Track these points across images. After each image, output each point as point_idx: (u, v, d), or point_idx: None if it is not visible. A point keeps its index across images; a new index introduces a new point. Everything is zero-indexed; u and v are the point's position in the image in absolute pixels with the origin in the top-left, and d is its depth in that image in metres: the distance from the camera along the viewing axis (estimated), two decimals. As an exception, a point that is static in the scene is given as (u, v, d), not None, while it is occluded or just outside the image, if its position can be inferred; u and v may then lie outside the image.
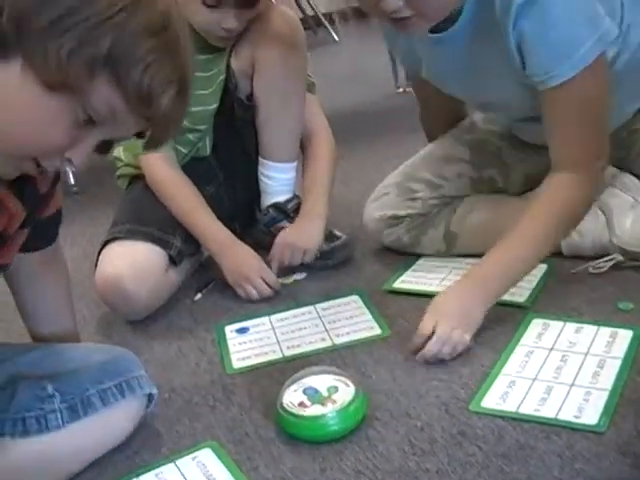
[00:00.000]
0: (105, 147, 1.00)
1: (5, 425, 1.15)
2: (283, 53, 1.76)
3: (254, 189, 1.90)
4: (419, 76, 1.68)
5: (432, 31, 1.45)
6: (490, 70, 1.48)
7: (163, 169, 1.79)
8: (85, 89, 0.88)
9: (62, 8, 0.85)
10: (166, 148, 1.77)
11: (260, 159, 1.87)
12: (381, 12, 1.34)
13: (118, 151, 1.96)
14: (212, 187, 1.89)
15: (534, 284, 1.56)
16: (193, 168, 1.84)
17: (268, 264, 1.74)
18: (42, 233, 1.24)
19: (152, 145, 1.02)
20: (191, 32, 1.70)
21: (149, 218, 1.75)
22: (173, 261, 1.74)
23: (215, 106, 1.82)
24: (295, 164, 1.89)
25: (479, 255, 1.67)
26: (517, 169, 1.78)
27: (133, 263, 1.65)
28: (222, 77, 1.80)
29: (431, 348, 1.36)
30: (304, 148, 1.93)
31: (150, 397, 1.29)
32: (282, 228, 1.83)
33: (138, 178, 1.89)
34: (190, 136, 1.84)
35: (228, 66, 1.80)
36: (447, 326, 1.36)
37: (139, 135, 1.00)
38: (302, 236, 1.77)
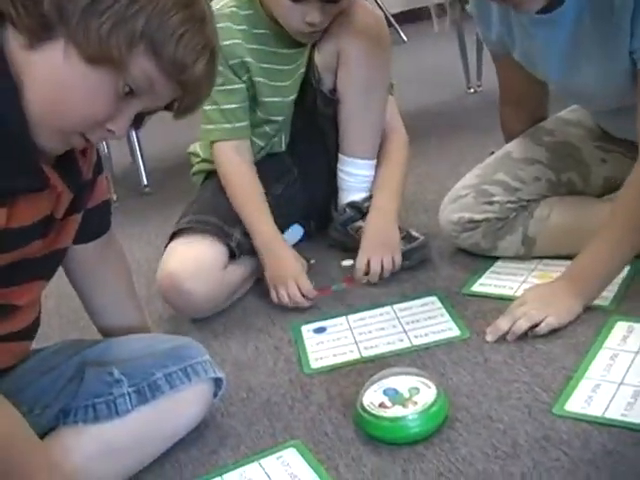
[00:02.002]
0: (139, 120, 1.08)
1: (77, 412, 1.17)
2: (368, 47, 1.77)
3: (331, 187, 1.90)
4: (507, 59, 1.67)
5: (537, 11, 1.43)
6: (594, 52, 1.46)
7: (232, 158, 1.80)
8: (125, 61, 0.97)
9: None
10: (239, 136, 1.79)
11: (340, 155, 1.87)
12: None
13: (194, 146, 1.98)
14: (283, 184, 1.89)
15: (617, 287, 1.53)
16: (267, 164, 1.86)
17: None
18: (91, 224, 1.27)
19: (183, 113, 1.09)
20: (273, 26, 1.73)
21: (212, 208, 1.77)
22: (233, 254, 1.73)
23: (292, 98, 1.84)
24: (374, 162, 1.88)
25: (560, 257, 1.66)
26: (597, 171, 1.74)
27: (191, 261, 1.66)
28: (302, 70, 1.82)
29: (499, 323, 1.44)
30: (380, 147, 1.92)
31: (218, 384, 1.30)
32: (359, 227, 1.82)
33: (213, 174, 1.90)
34: (267, 128, 1.85)
35: (311, 60, 1.81)
36: (529, 307, 1.42)
37: (168, 107, 1.07)
38: (385, 244, 1.75)
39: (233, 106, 1.77)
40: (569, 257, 1.64)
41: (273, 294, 1.71)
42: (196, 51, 1.00)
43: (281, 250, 1.74)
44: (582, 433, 1.15)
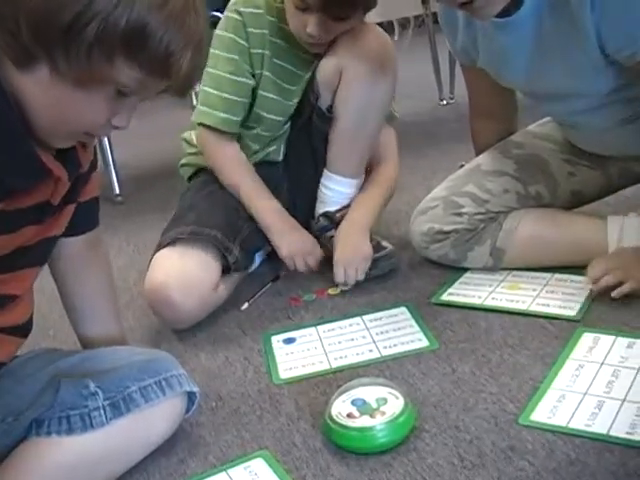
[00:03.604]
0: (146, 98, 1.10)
1: (51, 423, 1.16)
2: (371, 71, 1.76)
3: (313, 204, 1.92)
4: (474, 69, 1.69)
5: (498, 15, 1.45)
6: (557, 52, 1.48)
7: (225, 147, 1.82)
8: (109, 75, 0.99)
9: (73, 12, 0.93)
10: (230, 128, 1.82)
11: (325, 170, 1.88)
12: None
13: (190, 134, 1.97)
14: (277, 198, 1.90)
15: (584, 297, 1.55)
16: (263, 172, 1.86)
17: None
18: (80, 217, 1.30)
19: (182, 94, 1.11)
20: None
21: (212, 221, 1.75)
22: (227, 269, 1.73)
23: (293, 102, 1.84)
24: (358, 181, 1.90)
25: (528, 269, 1.68)
26: (565, 185, 1.76)
27: (183, 273, 1.65)
28: (308, 78, 1.83)
29: (594, 271, 1.53)
30: (369, 172, 1.94)
31: (192, 399, 1.30)
32: (331, 237, 1.83)
33: (203, 171, 1.90)
34: (259, 129, 1.86)
35: (312, 75, 1.82)
36: (615, 265, 1.52)
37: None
38: (356, 251, 1.77)
39: (235, 98, 1.78)
40: (538, 269, 1.67)
41: (290, 263, 1.80)
42: (178, 51, 1.00)
43: (297, 228, 1.83)
44: (547, 443, 1.16)
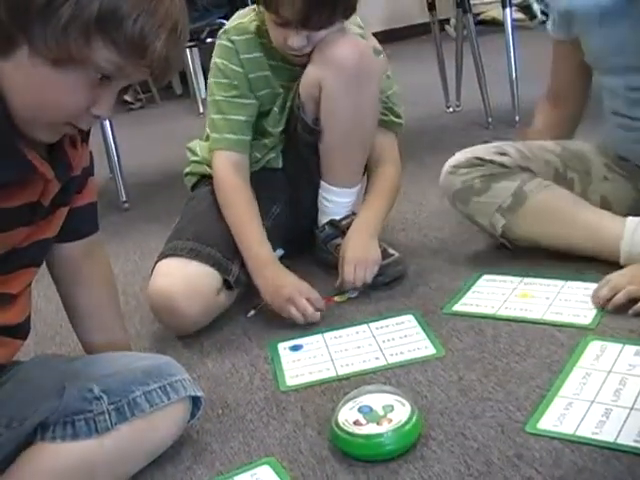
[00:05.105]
0: (125, 90, 1.13)
1: (56, 428, 1.16)
2: (347, 81, 1.73)
3: (314, 214, 1.91)
4: (566, 45, 1.83)
5: None
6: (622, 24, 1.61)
7: (230, 173, 1.79)
8: (87, 56, 1.01)
9: None
10: (241, 150, 1.81)
11: (322, 182, 1.87)
12: None
13: (194, 143, 1.97)
14: (279, 206, 1.90)
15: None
16: (266, 179, 1.86)
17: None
18: (78, 223, 1.31)
19: (160, 82, 1.13)
20: None
21: (212, 238, 1.72)
22: (229, 285, 1.72)
23: (287, 112, 1.85)
24: (356, 189, 1.89)
25: (538, 275, 1.68)
26: (596, 185, 1.81)
27: (186, 280, 1.65)
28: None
29: (600, 290, 1.53)
30: (370, 171, 1.93)
31: (197, 404, 1.30)
32: (337, 245, 1.82)
33: (206, 179, 1.89)
34: (266, 140, 1.86)
35: (297, 87, 1.81)
36: (627, 281, 1.51)
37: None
38: (366, 253, 1.76)
39: (241, 118, 1.79)
40: (551, 276, 1.66)
41: (285, 315, 1.66)
42: (152, 32, 1.02)
43: (276, 270, 1.70)
44: (554, 451, 1.16)
